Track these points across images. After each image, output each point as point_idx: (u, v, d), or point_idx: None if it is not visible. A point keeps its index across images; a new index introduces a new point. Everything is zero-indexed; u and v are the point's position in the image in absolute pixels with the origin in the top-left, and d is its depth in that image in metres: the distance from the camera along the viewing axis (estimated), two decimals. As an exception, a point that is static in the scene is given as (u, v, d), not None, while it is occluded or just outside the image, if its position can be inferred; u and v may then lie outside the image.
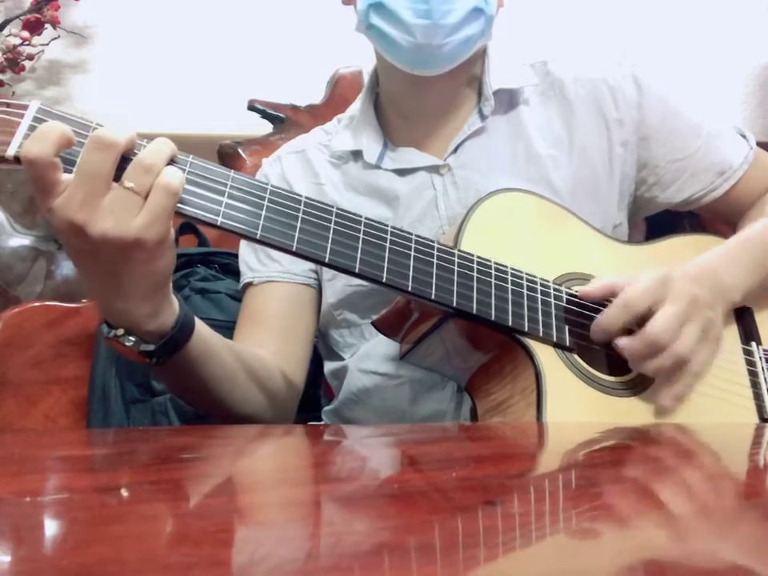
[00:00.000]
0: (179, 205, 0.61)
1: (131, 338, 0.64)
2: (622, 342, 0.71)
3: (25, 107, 0.59)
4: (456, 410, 0.82)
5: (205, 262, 1.11)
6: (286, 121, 1.28)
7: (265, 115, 1.28)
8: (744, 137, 0.92)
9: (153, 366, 0.68)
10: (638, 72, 0.89)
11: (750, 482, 0.47)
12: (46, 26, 1.37)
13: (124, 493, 0.40)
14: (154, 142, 0.61)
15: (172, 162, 0.62)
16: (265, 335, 0.86)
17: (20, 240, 1.33)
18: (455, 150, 0.87)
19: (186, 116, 1.48)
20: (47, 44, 1.39)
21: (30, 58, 1.38)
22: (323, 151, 0.93)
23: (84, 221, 0.57)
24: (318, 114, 1.27)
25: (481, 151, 0.87)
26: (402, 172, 0.88)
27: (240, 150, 1.24)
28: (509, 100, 0.89)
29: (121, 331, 0.64)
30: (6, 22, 1.36)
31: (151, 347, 0.65)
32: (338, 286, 0.87)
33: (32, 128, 0.58)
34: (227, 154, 1.24)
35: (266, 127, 1.28)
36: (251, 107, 1.28)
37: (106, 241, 0.57)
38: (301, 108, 1.30)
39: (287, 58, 1.49)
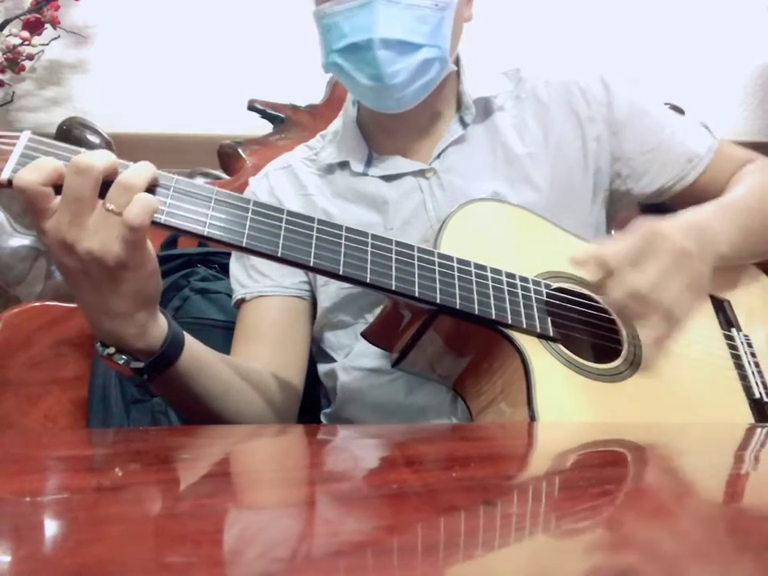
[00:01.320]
0: (166, 218, 0.63)
1: (123, 357, 0.67)
2: (606, 296, 0.74)
3: (16, 137, 0.63)
4: (452, 402, 0.82)
5: (205, 262, 1.11)
6: (285, 121, 1.28)
7: (265, 115, 1.28)
8: (707, 128, 0.96)
9: (146, 382, 0.70)
10: (605, 75, 0.94)
11: (738, 483, 0.47)
12: (46, 25, 1.38)
13: (124, 493, 0.40)
14: (136, 164, 0.63)
15: (155, 183, 0.64)
16: (260, 348, 0.87)
17: (20, 240, 1.33)
18: (438, 156, 0.90)
19: (186, 116, 1.48)
20: (47, 44, 1.39)
21: (30, 58, 1.38)
22: (309, 165, 0.96)
23: (73, 240, 0.60)
24: (317, 114, 1.27)
25: (463, 156, 0.90)
26: (388, 178, 0.90)
27: (240, 150, 1.24)
28: (484, 106, 0.92)
29: (112, 350, 0.67)
30: (6, 22, 1.36)
31: (141, 365, 0.67)
32: (331, 290, 0.89)
33: (24, 155, 0.62)
34: (227, 154, 1.24)
35: (266, 127, 1.29)
36: (251, 107, 1.28)
37: (92, 259, 0.60)
38: (301, 108, 1.30)
39: (287, 58, 1.49)
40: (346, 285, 0.86)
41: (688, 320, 0.74)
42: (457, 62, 0.92)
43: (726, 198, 0.86)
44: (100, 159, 0.60)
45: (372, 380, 0.87)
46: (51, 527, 0.35)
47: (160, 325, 0.68)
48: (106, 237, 0.60)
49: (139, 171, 0.62)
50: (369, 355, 0.87)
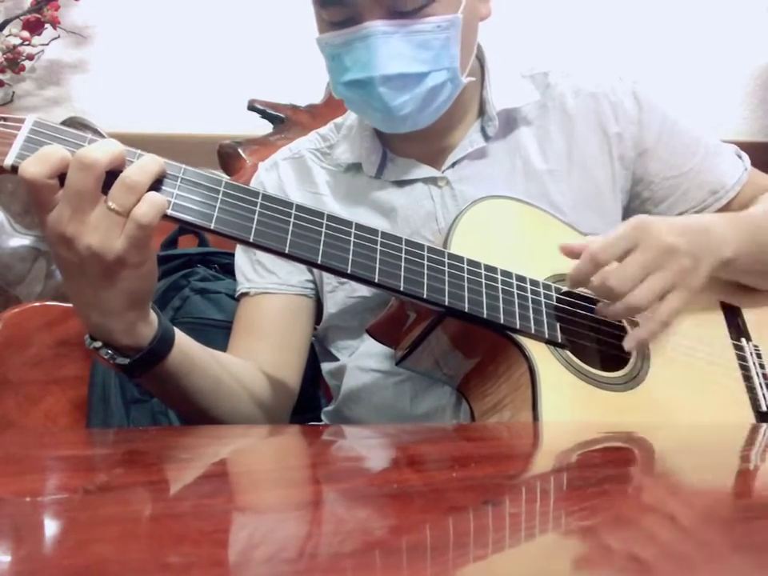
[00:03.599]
0: (172, 212, 0.62)
1: (108, 351, 0.67)
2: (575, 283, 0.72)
3: (21, 120, 0.62)
4: (456, 405, 0.82)
5: (205, 262, 1.11)
6: (286, 121, 1.28)
7: (265, 115, 1.28)
8: (740, 157, 0.92)
9: (132, 378, 0.70)
10: (638, 88, 0.89)
11: (742, 482, 0.47)
12: (46, 25, 1.38)
13: (124, 493, 0.40)
14: (142, 158, 0.62)
15: (162, 177, 0.63)
16: (260, 345, 0.86)
17: (20, 240, 1.33)
18: (453, 165, 0.87)
19: (186, 116, 1.48)
20: (47, 44, 1.39)
21: (30, 58, 1.38)
22: (321, 159, 0.93)
23: (72, 234, 0.59)
24: (317, 114, 1.27)
25: (479, 168, 0.87)
26: (400, 183, 0.88)
27: (240, 150, 1.24)
28: (507, 118, 0.88)
29: (99, 344, 0.66)
30: (6, 22, 1.36)
31: (126, 361, 0.67)
32: (339, 297, 0.88)
33: (28, 139, 0.61)
34: (227, 154, 1.24)
35: (266, 127, 1.29)
36: (251, 107, 1.28)
37: (90, 255, 0.60)
38: (301, 108, 1.30)
39: (287, 58, 1.49)
40: (356, 294, 0.85)
41: (673, 319, 0.71)
42: (481, 65, 0.89)
43: (740, 212, 0.83)
44: (104, 153, 0.59)
45: (378, 381, 0.86)
46: (51, 527, 0.35)
47: (150, 322, 0.67)
48: (107, 233, 0.59)
49: (144, 168, 0.61)
50: (374, 356, 0.86)
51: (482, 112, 0.89)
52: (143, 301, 0.66)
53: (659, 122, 0.88)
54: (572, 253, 0.73)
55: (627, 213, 0.91)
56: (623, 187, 0.89)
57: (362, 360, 0.87)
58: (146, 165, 0.61)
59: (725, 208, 0.89)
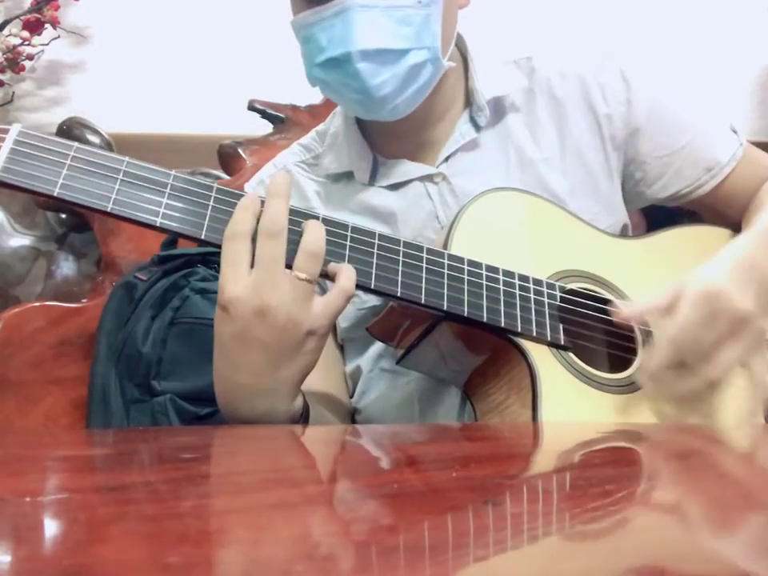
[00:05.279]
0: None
1: None
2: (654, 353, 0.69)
3: (6, 131, 0.61)
4: (461, 406, 0.81)
5: (205, 262, 1.11)
6: (286, 121, 1.28)
7: (265, 115, 1.28)
8: (735, 132, 0.90)
9: None
10: (625, 67, 0.87)
11: (749, 483, 0.47)
12: (46, 25, 1.37)
13: (124, 493, 0.40)
14: (310, 224, 0.62)
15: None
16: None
17: (20, 240, 1.33)
18: (446, 159, 0.85)
19: (186, 116, 1.47)
20: (47, 44, 1.39)
21: (30, 58, 1.38)
22: (308, 170, 0.90)
23: (271, 304, 0.59)
24: (317, 114, 1.27)
25: (474, 161, 0.85)
26: (395, 186, 0.85)
27: (240, 150, 1.24)
28: (495, 106, 0.86)
29: None
30: (6, 22, 1.36)
31: None
32: (349, 311, 0.84)
33: (13, 151, 0.59)
34: (227, 154, 1.24)
35: (266, 127, 1.28)
36: (251, 107, 1.28)
37: (289, 326, 0.60)
38: (301, 108, 1.30)
39: (287, 58, 1.48)
40: (367, 306, 0.84)
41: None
42: (464, 57, 0.87)
43: (763, 223, 0.79)
44: (284, 218, 0.60)
45: (391, 382, 0.85)
46: (51, 527, 0.35)
47: (301, 394, 0.68)
48: (302, 303, 0.60)
49: (318, 235, 0.62)
50: (387, 357, 0.84)
51: (468, 103, 0.87)
52: (306, 376, 0.65)
53: (649, 100, 0.86)
54: (627, 320, 0.72)
55: (624, 194, 0.89)
56: (617, 168, 0.87)
57: (376, 362, 0.86)
58: (318, 230, 0.62)
59: (720, 185, 0.87)
